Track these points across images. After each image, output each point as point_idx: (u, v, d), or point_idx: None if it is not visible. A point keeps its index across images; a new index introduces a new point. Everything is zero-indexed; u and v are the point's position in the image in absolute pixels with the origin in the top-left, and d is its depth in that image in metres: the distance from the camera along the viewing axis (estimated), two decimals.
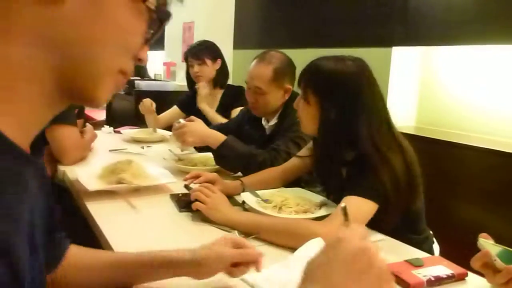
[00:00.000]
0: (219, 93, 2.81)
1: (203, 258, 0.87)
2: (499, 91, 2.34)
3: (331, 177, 1.50)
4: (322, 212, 1.38)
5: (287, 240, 1.19)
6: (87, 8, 0.45)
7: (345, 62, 1.37)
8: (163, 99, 2.89)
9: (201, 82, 2.75)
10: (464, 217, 2.29)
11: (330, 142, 1.39)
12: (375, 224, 1.28)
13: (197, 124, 1.86)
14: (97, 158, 2.04)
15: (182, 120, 1.91)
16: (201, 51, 2.75)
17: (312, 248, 1.08)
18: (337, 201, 1.34)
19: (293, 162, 1.71)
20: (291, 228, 1.22)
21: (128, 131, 2.72)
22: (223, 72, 2.82)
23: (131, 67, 0.53)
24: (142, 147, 2.41)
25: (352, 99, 1.33)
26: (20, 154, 0.44)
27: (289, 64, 2.00)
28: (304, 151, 1.68)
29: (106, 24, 0.47)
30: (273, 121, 2.02)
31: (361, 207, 1.24)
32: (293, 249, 1.12)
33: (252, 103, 2.01)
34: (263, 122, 2.09)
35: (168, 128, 2.89)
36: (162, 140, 2.63)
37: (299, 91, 1.47)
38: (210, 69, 2.74)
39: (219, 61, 2.78)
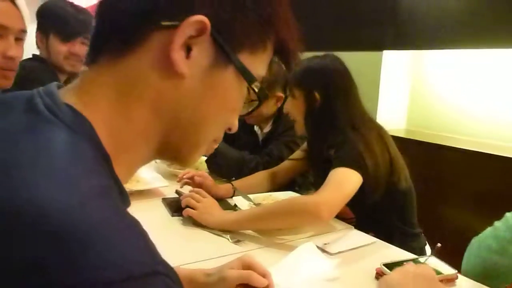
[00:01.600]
0: None
1: (211, 282, 0.89)
2: (488, 94, 2.37)
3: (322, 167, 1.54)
4: None
5: (285, 220, 1.24)
6: (203, 86, 0.50)
7: (319, 57, 1.52)
8: None
9: None
10: (454, 219, 2.31)
11: (317, 129, 1.49)
12: (360, 198, 1.31)
13: None
14: None
15: None
16: None
17: (303, 252, 1.09)
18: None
19: (285, 165, 1.73)
20: (287, 207, 1.25)
21: None
22: None
23: (222, 135, 0.58)
24: None
25: (328, 86, 1.46)
26: (126, 197, 0.50)
27: (278, 72, 1.96)
28: (297, 154, 1.70)
29: (216, 102, 0.52)
30: (267, 128, 2.01)
31: (348, 175, 1.30)
32: (286, 250, 1.13)
33: (244, 115, 2.00)
34: (255, 127, 2.09)
35: None
36: None
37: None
38: None
39: None
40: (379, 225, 1.43)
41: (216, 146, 0.59)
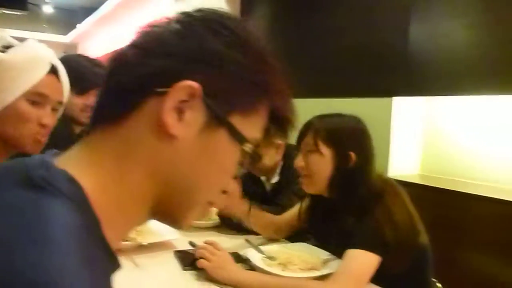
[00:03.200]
0: None
1: None
2: (502, 138, 2.36)
3: (332, 230, 1.51)
4: (327, 269, 1.36)
5: None
6: (197, 149, 0.52)
7: (346, 116, 1.49)
8: None
9: None
10: (472, 267, 2.25)
11: (343, 190, 1.42)
12: (380, 271, 1.28)
13: None
14: None
15: None
16: None
17: None
18: (339, 254, 1.35)
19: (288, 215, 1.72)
20: None
21: None
22: None
23: (218, 198, 0.58)
24: None
25: (364, 148, 1.43)
26: (115, 261, 0.52)
27: None
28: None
29: (210, 165, 0.54)
30: (275, 179, 2.01)
31: (365, 261, 1.26)
32: None
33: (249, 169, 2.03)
34: (262, 178, 2.08)
35: None
36: None
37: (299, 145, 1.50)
38: None
39: None
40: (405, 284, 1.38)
41: (211, 209, 0.60)
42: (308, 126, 1.47)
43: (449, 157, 2.62)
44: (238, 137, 0.53)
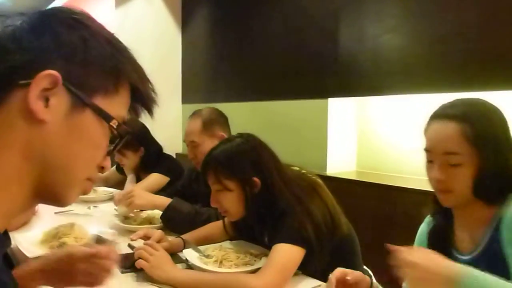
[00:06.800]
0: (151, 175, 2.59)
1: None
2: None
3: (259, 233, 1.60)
4: (261, 263, 1.44)
5: None
6: (66, 129, 0.58)
7: (235, 140, 1.52)
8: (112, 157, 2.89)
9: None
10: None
11: (259, 211, 1.48)
12: (306, 266, 1.37)
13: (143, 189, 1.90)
14: (42, 222, 2.02)
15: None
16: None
17: None
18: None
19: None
20: (230, 283, 1.29)
21: None
22: (148, 158, 2.63)
23: (96, 174, 0.65)
24: (89, 207, 2.40)
25: (260, 166, 1.46)
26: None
27: (218, 114, 2.14)
28: None
29: (80, 142, 0.60)
30: None
31: (290, 254, 1.34)
32: None
33: (192, 159, 2.10)
34: None
35: (116, 185, 2.92)
36: (110, 199, 2.62)
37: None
38: (131, 161, 2.63)
39: (141, 150, 2.60)
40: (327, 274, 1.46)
41: (92, 185, 0.65)
42: (206, 166, 1.51)
43: (381, 153, 2.77)
44: (103, 115, 0.60)
